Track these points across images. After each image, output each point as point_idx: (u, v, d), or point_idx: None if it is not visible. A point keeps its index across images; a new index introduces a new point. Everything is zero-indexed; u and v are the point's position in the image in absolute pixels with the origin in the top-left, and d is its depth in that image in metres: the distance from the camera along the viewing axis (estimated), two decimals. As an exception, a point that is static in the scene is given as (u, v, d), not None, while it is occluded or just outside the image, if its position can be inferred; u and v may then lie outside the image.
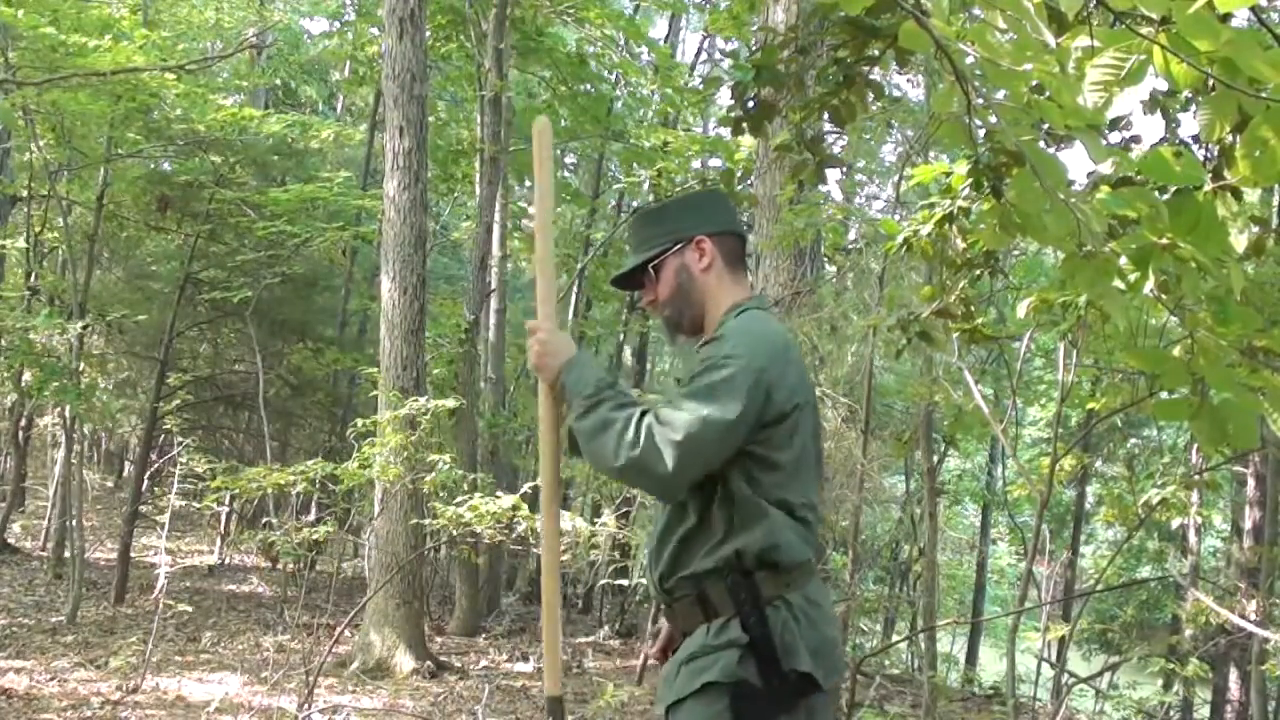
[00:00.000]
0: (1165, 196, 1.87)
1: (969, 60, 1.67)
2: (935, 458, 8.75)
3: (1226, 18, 1.64)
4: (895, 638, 11.22)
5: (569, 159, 15.97)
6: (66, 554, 8.83)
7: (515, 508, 5.45)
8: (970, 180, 2.72)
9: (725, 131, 8.54)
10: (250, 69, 13.37)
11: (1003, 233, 2.48)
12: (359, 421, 6.32)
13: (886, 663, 9.70)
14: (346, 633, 6.93)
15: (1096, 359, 5.40)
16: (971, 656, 13.30)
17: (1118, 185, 2.06)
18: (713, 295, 1.92)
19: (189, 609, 7.17)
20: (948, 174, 3.21)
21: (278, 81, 14.79)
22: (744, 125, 2.94)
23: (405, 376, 6.84)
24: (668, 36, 15.01)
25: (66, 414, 8.72)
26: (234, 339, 12.22)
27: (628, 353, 14.98)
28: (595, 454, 1.77)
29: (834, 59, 2.76)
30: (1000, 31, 1.59)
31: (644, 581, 6.76)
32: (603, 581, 8.54)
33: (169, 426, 11.18)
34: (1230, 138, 1.95)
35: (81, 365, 8.83)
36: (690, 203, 2.00)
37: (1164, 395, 2.27)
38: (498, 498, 5.56)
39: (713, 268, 1.92)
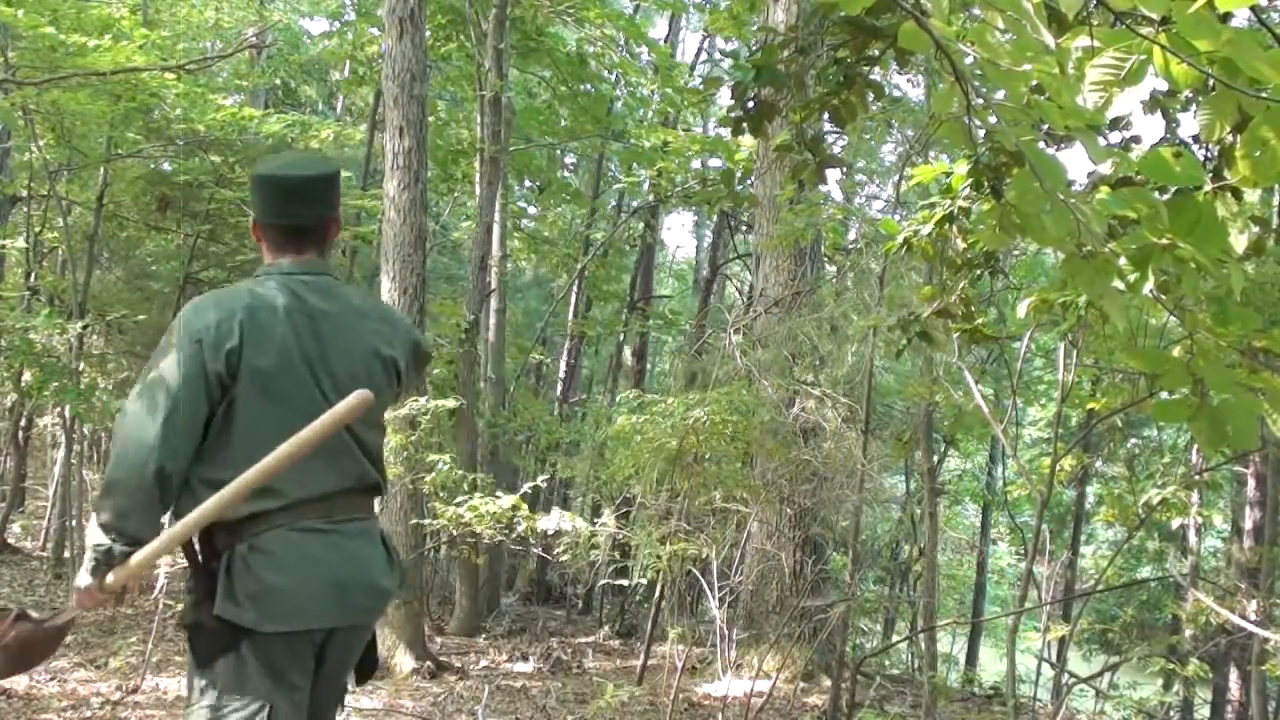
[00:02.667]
0: (1165, 196, 1.87)
1: (969, 60, 1.67)
2: (935, 458, 8.74)
3: (1226, 18, 1.64)
4: (895, 638, 11.22)
5: (569, 159, 15.97)
6: (66, 554, 8.83)
7: (515, 508, 5.45)
8: (970, 180, 2.72)
9: (725, 131, 8.54)
10: (250, 69, 13.36)
11: (1003, 233, 2.48)
12: (359, 421, 6.30)
13: (886, 663, 9.70)
14: (346, 633, 6.93)
15: (1096, 359, 5.39)
16: (971, 656, 13.30)
17: (1118, 185, 2.06)
18: (264, 266, 2.27)
19: (189, 609, 7.15)
20: (948, 174, 3.21)
21: (278, 81, 14.78)
22: (744, 125, 2.94)
23: (405, 376, 6.83)
24: (668, 36, 15.01)
25: (66, 414, 8.72)
26: (234, 339, 12.18)
27: (627, 353, 14.98)
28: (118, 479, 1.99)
29: (834, 59, 2.76)
30: (1000, 31, 1.59)
31: (644, 581, 6.76)
32: (603, 582, 8.54)
33: (169, 426, 11.15)
34: (1230, 138, 1.95)
35: (81, 365, 8.83)
36: (257, 189, 2.25)
37: (1164, 396, 2.26)
38: (498, 498, 5.56)
39: (262, 244, 2.26)
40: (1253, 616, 6.09)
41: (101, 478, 2.04)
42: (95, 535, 2.00)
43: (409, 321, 2.44)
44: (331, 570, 2.09)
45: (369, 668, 2.41)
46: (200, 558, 2.09)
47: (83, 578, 2.02)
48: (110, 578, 2.00)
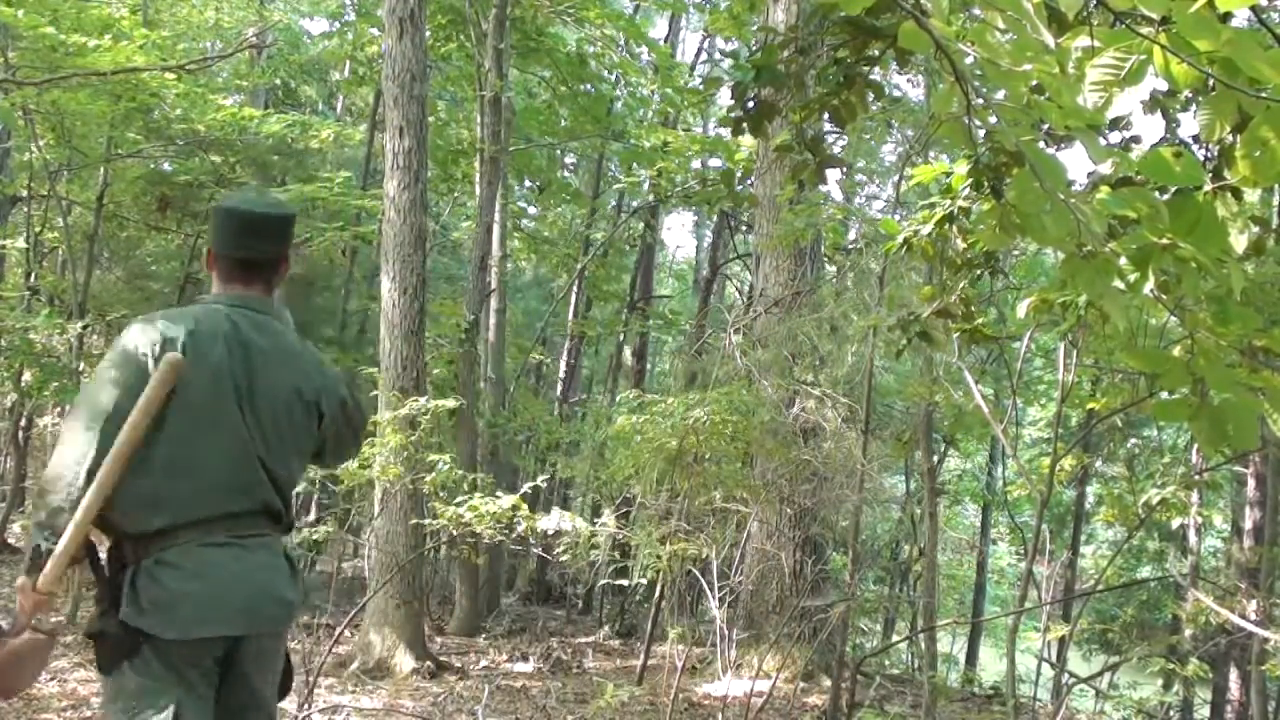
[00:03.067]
0: (1165, 196, 1.86)
1: (969, 60, 1.67)
2: (935, 458, 8.74)
3: (1226, 18, 1.63)
4: (895, 638, 11.22)
5: (569, 159, 15.97)
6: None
7: (515, 508, 5.44)
8: (970, 180, 2.72)
9: (725, 131, 8.53)
10: (250, 69, 13.36)
11: (1003, 233, 2.48)
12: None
13: (886, 663, 9.70)
14: (346, 633, 6.93)
15: (1096, 359, 5.40)
16: (971, 656, 13.29)
17: (1118, 185, 2.06)
18: (211, 294, 2.38)
19: (189, 609, 7.15)
20: (948, 174, 3.21)
21: (278, 81, 14.77)
22: (744, 125, 2.94)
23: (405, 376, 6.83)
24: (668, 36, 15.01)
25: (66, 414, 8.70)
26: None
27: (627, 353, 14.98)
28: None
29: (834, 59, 2.76)
30: (1000, 31, 1.59)
31: (644, 581, 6.76)
32: (603, 582, 8.54)
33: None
34: (1230, 138, 1.95)
35: (81, 365, 8.83)
36: (217, 221, 2.35)
37: (1164, 395, 2.26)
38: (498, 498, 5.55)
39: (212, 271, 2.37)
40: (1253, 616, 6.09)
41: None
42: (33, 535, 2.09)
43: (341, 377, 2.55)
44: (236, 580, 2.18)
45: (285, 684, 2.43)
46: (108, 570, 2.17)
47: (20, 578, 2.10)
48: (40, 580, 2.07)
